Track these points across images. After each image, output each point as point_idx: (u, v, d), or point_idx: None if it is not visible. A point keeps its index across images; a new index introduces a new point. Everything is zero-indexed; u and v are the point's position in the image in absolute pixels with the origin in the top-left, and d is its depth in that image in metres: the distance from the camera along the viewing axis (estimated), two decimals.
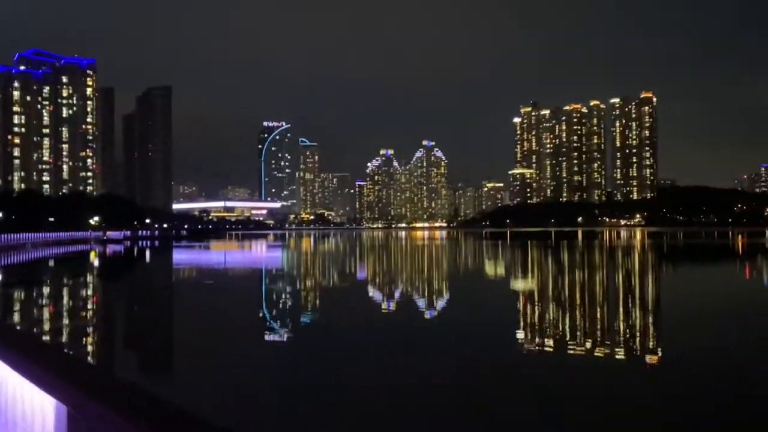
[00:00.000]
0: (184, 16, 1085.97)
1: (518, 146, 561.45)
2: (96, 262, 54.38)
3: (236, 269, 45.52)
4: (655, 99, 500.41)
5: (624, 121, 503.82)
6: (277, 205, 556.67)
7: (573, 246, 78.85)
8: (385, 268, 43.12)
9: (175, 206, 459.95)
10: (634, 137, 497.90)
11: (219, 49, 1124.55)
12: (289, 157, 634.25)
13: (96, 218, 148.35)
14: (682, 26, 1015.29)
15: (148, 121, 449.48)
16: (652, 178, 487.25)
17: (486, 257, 57.45)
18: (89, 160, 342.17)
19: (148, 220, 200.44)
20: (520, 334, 16.60)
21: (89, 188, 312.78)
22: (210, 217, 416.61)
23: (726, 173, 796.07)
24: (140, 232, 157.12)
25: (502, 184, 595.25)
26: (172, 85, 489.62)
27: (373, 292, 27.69)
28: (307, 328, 18.35)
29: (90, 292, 29.39)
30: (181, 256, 66.21)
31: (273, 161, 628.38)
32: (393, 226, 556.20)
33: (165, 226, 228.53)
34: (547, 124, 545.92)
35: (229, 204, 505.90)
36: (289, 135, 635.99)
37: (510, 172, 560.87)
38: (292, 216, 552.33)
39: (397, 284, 30.99)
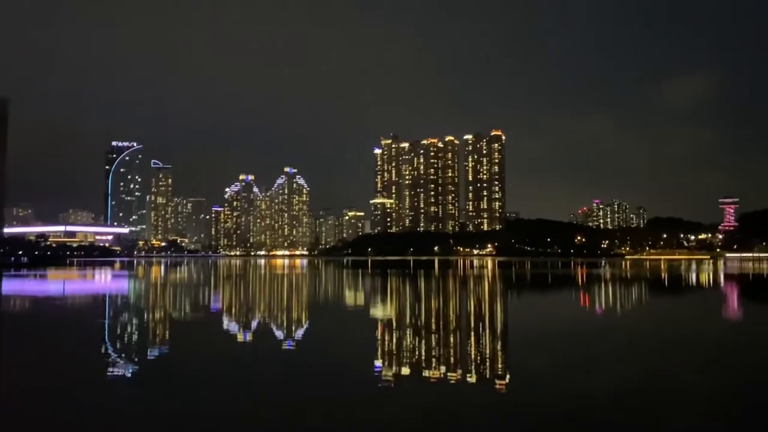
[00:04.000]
0: (25, 22, 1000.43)
1: (379, 177, 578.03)
2: None
3: (75, 300, 41.69)
4: (504, 137, 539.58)
5: (476, 157, 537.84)
6: (125, 230, 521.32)
7: (429, 274, 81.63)
8: (241, 299, 41.70)
9: (7, 230, 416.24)
10: (484, 172, 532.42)
11: (63, 61, 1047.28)
12: (139, 179, 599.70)
13: None
14: (526, 71, 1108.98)
15: None
16: (500, 210, 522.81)
17: (346, 286, 57.66)
18: None
19: None
20: (378, 362, 16.61)
21: None
22: (48, 243, 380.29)
23: (562, 208, 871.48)
24: None
25: (363, 213, 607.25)
26: (9, 97, 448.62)
27: (226, 324, 26.54)
28: (150, 365, 17.03)
29: None
30: (16, 287, 59.46)
31: (121, 184, 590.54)
32: (252, 253, 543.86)
33: None
34: (407, 157, 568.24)
35: (71, 228, 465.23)
36: (140, 156, 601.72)
37: (371, 202, 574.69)
38: (141, 242, 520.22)
39: (253, 315, 29.97)
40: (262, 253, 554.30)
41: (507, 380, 14.55)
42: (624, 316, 30.44)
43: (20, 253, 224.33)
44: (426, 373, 15.07)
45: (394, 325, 25.09)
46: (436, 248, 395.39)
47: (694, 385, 13.91)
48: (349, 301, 39.32)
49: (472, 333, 22.88)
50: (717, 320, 28.22)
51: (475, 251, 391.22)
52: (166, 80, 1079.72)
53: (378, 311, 31.69)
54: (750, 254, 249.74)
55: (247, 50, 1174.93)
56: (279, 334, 22.74)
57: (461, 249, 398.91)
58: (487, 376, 15.06)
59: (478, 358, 17.57)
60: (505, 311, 33.21)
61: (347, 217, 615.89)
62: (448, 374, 14.92)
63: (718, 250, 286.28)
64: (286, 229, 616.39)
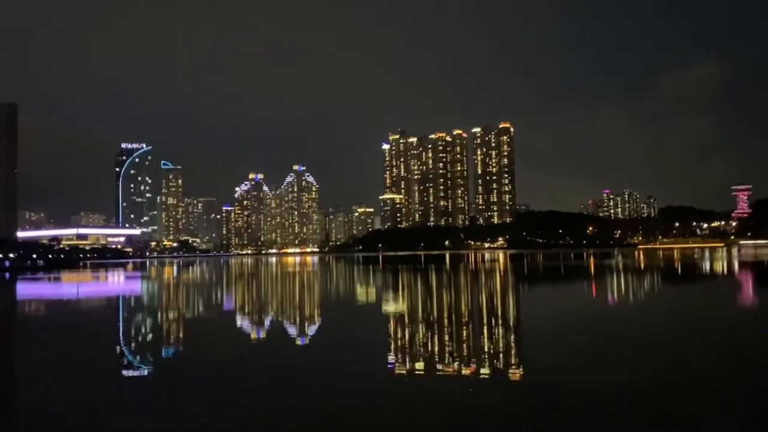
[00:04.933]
0: (33, 30, 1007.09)
1: (388, 172, 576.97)
2: None
3: (91, 302, 41.96)
4: (512, 129, 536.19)
5: (485, 150, 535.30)
6: (137, 231, 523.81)
7: (441, 269, 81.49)
8: (254, 297, 41.79)
9: (21, 234, 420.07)
10: (494, 165, 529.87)
11: (72, 66, 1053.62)
12: (149, 180, 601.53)
13: None
14: (531, 63, 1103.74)
15: None
16: (510, 203, 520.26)
17: (359, 282, 57.60)
18: None
19: None
20: (391, 357, 16.50)
21: None
22: (61, 246, 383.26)
23: (572, 199, 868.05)
24: None
25: (372, 209, 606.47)
26: (18, 103, 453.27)
27: (240, 322, 26.55)
28: (167, 363, 17.03)
29: None
30: (36, 290, 59.99)
31: (132, 185, 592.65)
32: (263, 252, 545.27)
33: (12, 256, 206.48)
34: (415, 152, 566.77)
35: (83, 231, 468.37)
36: (150, 157, 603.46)
37: (380, 198, 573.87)
38: (153, 243, 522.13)
39: (270, 313, 29.97)
40: (274, 251, 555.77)
41: (526, 371, 14.41)
42: (647, 306, 30.19)
43: (34, 256, 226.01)
44: (449, 367, 14.95)
45: (412, 320, 24.97)
46: (446, 242, 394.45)
47: (713, 375, 13.70)
48: (365, 297, 39.24)
49: (493, 326, 22.72)
50: (739, 308, 27.91)
51: (486, 245, 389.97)
52: (171, 80, 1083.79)
53: (392, 307, 31.61)
54: (765, 241, 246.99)
55: (250, 49, 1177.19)
56: (295, 331, 22.69)
57: (472, 243, 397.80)
58: (507, 367, 14.92)
59: (499, 351, 17.41)
60: (527, 304, 32.99)
61: (357, 214, 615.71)
62: (472, 367, 14.81)
63: (732, 237, 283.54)
64: (296, 227, 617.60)
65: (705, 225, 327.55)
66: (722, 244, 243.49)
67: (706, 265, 73.83)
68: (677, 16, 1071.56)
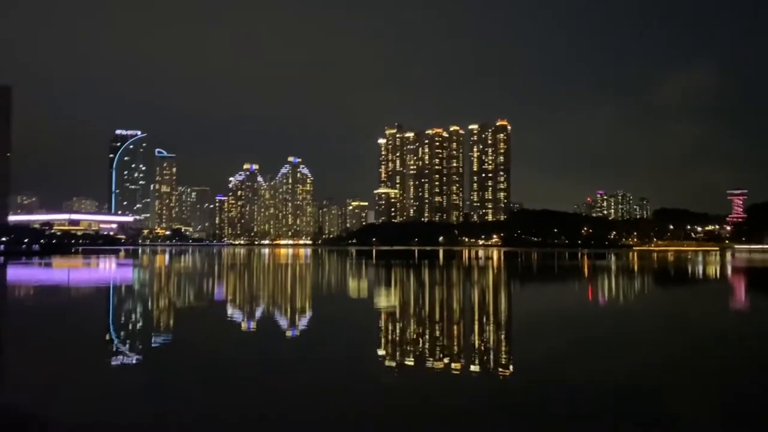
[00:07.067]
0: (26, 13, 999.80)
1: (383, 166, 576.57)
2: None
3: (85, 289, 41.68)
4: (509, 127, 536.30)
5: (481, 147, 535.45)
6: (130, 219, 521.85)
7: (435, 265, 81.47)
8: (246, 288, 41.62)
9: (11, 218, 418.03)
10: (490, 162, 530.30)
11: (68, 51, 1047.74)
12: (143, 168, 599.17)
13: None
14: (530, 63, 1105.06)
15: None
16: (505, 201, 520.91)
17: (352, 276, 57.47)
18: None
19: None
20: (381, 351, 16.37)
21: None
22: (53, 231, 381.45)
23: (565, 199, 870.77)
24: None
25: (366, 203, 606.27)
26: (12, 85, 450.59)
27: (232, 312, 26.38)
28: (156, 352, 16.83)
29: None
30: (35, 275, 59.59)
31: (125, 172, 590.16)
32: (256, 243, 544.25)
33: (3, 239, 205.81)
34: (411, 146, 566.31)
35: (75, 217, 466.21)
36: (144, 145, 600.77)
37: (375, 192, 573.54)
38: (145, 231, 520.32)
39: (261, 305, 29.80)
40: (266, 242, 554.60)
41: (512, 369, 14.30)
42: (636, 308, 30.19)
43: (27, 241, 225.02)
44: (435, 362, 14.81)
45: (403, 315, 24.83)
46: (440, 238, 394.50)
47: (694, 377, 13.62)
48: (357, 292, 39.07)
49: (484, 324, 22.60)
50: (726, 312, 27.93)
51: (480, 242, 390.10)
52: (167, 68, 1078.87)
53: (384, 301, 31.49)
54: (759, 246, 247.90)
55: (250, 39, 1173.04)
56: (285, 323, 22.53)
57: (466, 239, 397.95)
58: (495, 365, 14.81)
59: (488, 348, 17.30)
60: (518, 304, 32.92)
61: (351, 207, 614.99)
62: (458, 363, 14.69)
63: (726, 241, 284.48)
64: (289, 219, 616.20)
65: (699, 228, 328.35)
66: (717, 248, 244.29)
67: (700, 269, 74.03)
68: (676, 19, 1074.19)
